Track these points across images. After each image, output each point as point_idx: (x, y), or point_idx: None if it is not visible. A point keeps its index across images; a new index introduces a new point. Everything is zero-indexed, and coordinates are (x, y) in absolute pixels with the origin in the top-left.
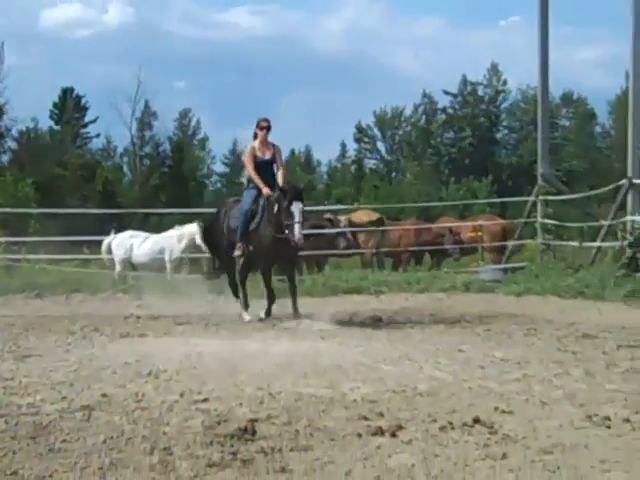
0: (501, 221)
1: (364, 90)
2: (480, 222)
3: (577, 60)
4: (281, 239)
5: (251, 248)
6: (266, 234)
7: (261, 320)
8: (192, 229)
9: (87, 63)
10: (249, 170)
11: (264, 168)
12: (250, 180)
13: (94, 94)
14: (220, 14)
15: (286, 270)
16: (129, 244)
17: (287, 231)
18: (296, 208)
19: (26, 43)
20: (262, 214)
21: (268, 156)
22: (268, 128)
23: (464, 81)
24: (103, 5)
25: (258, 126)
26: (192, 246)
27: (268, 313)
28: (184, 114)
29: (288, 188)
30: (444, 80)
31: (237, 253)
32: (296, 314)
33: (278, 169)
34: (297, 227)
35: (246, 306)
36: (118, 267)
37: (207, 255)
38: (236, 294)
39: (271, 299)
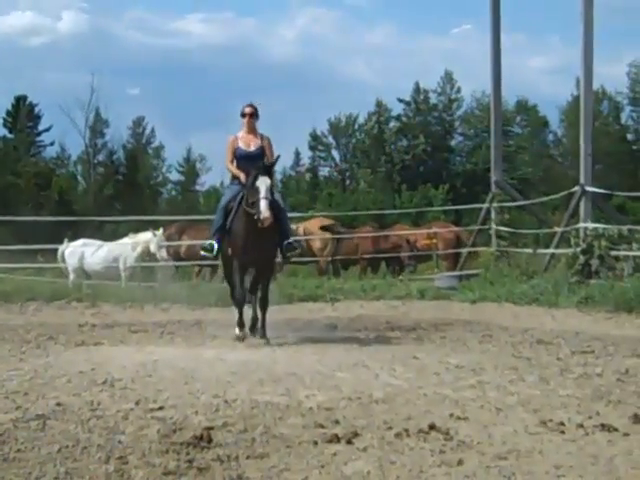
0: (454, 228)
1: (318, 98)
2: (434, 229)
3: (530, 67)
4: (256, 240)
5: (229, 250)
6: (238, 230)
7: (240, 338)
8: (147, 237)
9: (41, 71)
10: (226, 162)
11: (249, 163)
12: (234, 176)
13: (48, 102)
14: (174, 22)
15: (259, 276)
16: (82, 252)
17: (254, 213)
18: (262, 183)
19: None
20: (236, 212)
21: (254, 148)
22: (252, 115)
23: (417, 89)
24: (57, 12)
25: (242, 113)
26: (147, 254)
27: (252, 328)
28: (138, 122)
29: (255, 166)
30: (398, 88)
31: (204, 248)
32: (262, 332)
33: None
34: (263, 203)
35: (241, 326)
36: (71, 276)
37: (162, 263)
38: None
39: (261, 310)
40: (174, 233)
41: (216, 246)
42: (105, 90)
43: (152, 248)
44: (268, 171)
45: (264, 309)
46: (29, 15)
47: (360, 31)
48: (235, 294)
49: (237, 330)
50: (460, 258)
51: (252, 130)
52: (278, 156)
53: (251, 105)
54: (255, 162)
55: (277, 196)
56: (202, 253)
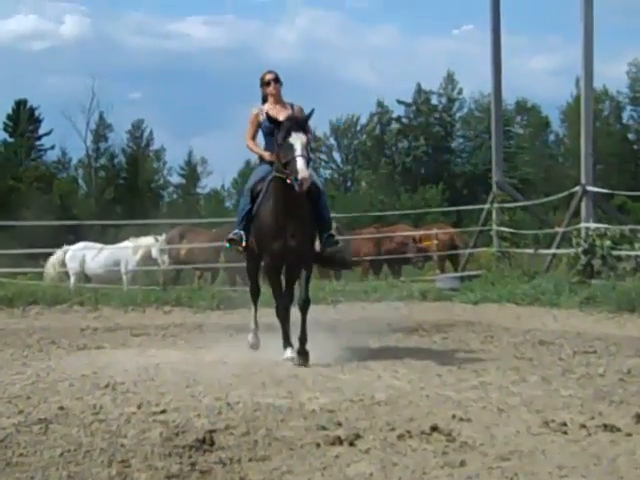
0: (451, 230)
1: (319, 100)
2: (431, 231)
3: (531, 68)
4: (290, 222)
5: (254, 241)
6: (268, 213)
7: (291, 359)
8: (148, 241)
9: (42, 75)
10: (246, 140)
11: None
12: (260, 156)
13: (48, 106)
14: (175, 25)
15: (294, 276)
16: (82, 256)
17: (288, 173)
18: (297, 139)
19: None
20: (265, 192)
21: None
22: (275, 80)
23: (419, 90)
24: (59, 17)
25: (263, 82)
26: (148, 258)
27: (301, 352)
28: (137, 125)
29: (285, 119)
30: (399, 89)
31: (229, 237)
32: (302, 349)
33: None
34: (300, 160)
35: (255, 323)
36: (72, 279)
37: (163, 267)
38: (252, 301)
39: (300, 313)
40: (175, 236)
41: (244, 234)
42: (106, 94)
43: (154, 253)
44: (302, 126)
45: (305, 314)
46: (31, 19)
47: (361, 33)
48: (277, 307)
49: (251, 336)
50: (458, 259)
51: (279, 99)
52: (312, 110)
53: (271, 71)
54: None
55: (315, 175)
56: (226, 245)
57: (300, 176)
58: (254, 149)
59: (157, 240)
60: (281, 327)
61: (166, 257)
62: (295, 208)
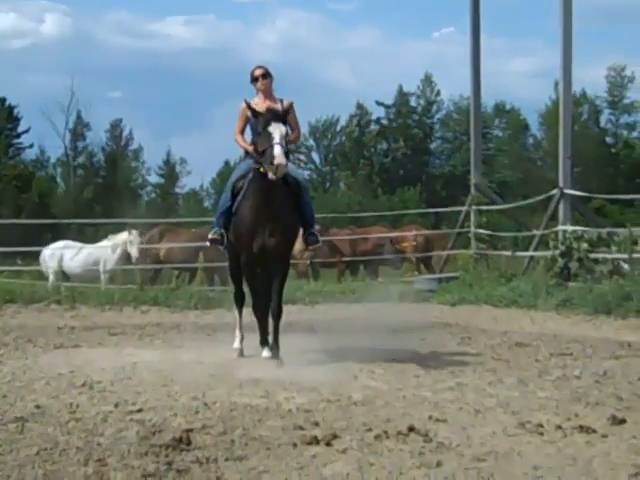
0: (425, 232)
1: (299, 101)
2: (407, 233)
3: (510, 71)
4: (269, 220)
5: (231, 237)
6: (245, 215)
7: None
8: (124, 237)
9: (21, 73)
10: (235, 134)
11: None
12: (246, 150)
13: (27, 104)
14: (155, 24)
15: (270, 271)
16: (61, 255)
17: (263, 163)
18: (276, 128)
19: None
20: (246, 190)
21: None
22: (265, 75)
23: (400, 92)
24: (39, 15)
25: (252, 77)
26: (126, 255)
27: (273, 346)
28: (115, 125)
29: (265, 110)
30: (380, 91)
31: (211, 237)
32: (274, 348)
33: (292, 131)
34: (277, 148)
35: (240, 327)
36: (51, 278)
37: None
38: (236, 305)
39: (272, 318)
40: (155, 235)
41: (223, 232)
42: (86, 93)
43: (128, 247)
44: (281, 118)
45: (277, 319)
46: (11, 17)
47: (342, 35)
48: (255, 304)
49: (236, 340)
50: (430, 263)
51: (269, 94)
52: (291, 102)
53: (261, 66)
54: None
55: (296, 170)
56: (207, 244)
57: (276, 162)
58: (241, 143)
59: (130, 233)
60: (258, 325)
61: (135, 249)
62: (275, 206)
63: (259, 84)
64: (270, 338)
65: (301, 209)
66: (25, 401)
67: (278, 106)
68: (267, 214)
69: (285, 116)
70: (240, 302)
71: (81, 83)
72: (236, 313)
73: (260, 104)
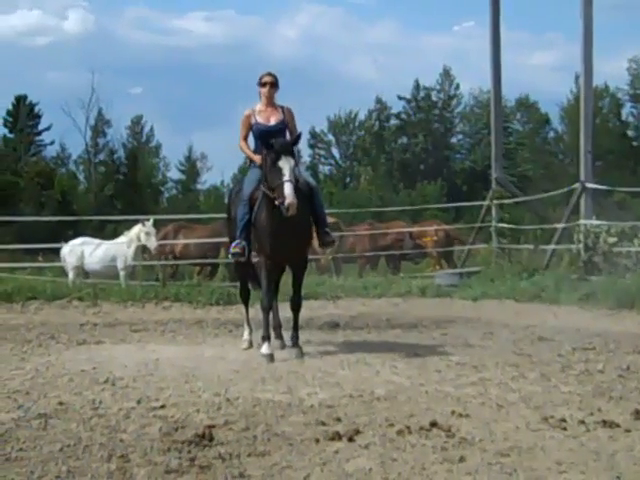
0: (445, 227)
1: (318, 96)
2: (434, 227)
3: (531, 64)
4: (286, 230)
5: (255, 247)
6: (264, 221)
7: (271, 357)
8: (136, 229)
9: (42, 70)
10: (239, 141)
11: (269, 139)
12: (251, 159)
13: (48, 101)
14: (176, 20)
15: (292, 274)
16: (80, 251)
17: (276, 197)
18: (285, 163)
19: None
20: (262, 200)
21: (274, 122)
22: (272, 84)
23: (417, 86)
24: (63, 12)
25: (260, 82)
26: (141, 247)
27: (296, 346)
28: (136, 121)
29: (274, 142)
30: (399, 85)
31: (234, 251)
32: (295, 339)
33: (291, 135)
34: (288, 186)
35: (247, 321)
36: (71, 274)
37: (161, 262)
38: (243, 302)
39: (293, 312)
40: (169, 232)
41: (246, 246)
42: (107, 89)
43: (142, 238)
44: (290, 150)
45: (297, 312)
46: (36, 14)
47: (361, 29)
48: (264, 301)
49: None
50: (451, 258)
51: (271, 102)
52: (300, 133)
53: (271, 73)
54: (277, 138)
55: (306, 174)
56: (231, 257)
57: (287, 202)
58: (245, 151)
59: (144, 225)
60: (263, 321)
61: (153, 239)
62: (292, 218)
63: (265, 91)
64: (273, 333)
65: (315, 210)
66: (48, 398)
67: (279, 114)
68: (286, 219)
69: (292, 146)
70: (246, 298)
71: (102, 80)
72: (243, 309)
73: (262, 110)
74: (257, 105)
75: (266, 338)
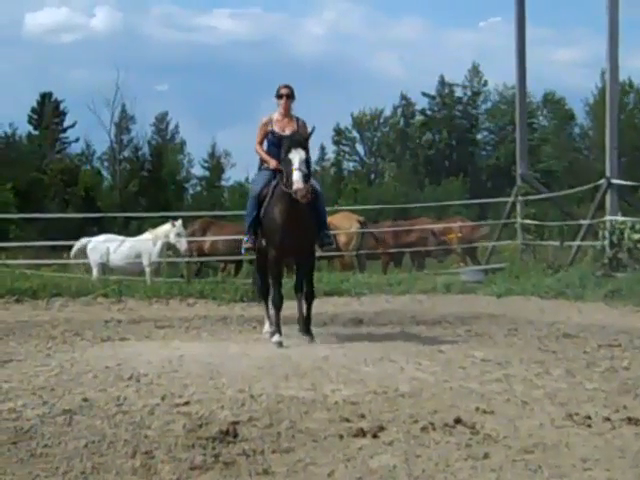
0: (468, 223)
1: (343, 92)
2: (459, 224)
3: (557, 60)
4: (295, 225)
5: (264, 242)
6: (274, 216)
7: (277, 343)
8: (165, 228)
9: (67, 67)
10: (255, 144)
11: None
12: (263, 160)
13: (73, 99)
14: (201, 17)
15: (301, 268)
16: (106, 248)
17: (286, 186)
18: (296, 154)
19: (8, 47)
20: (271, 197)
21: (289, 132)
22: (289, 96)
23: (442, 82)
24: (90, 10)
25: (277, 94)
26: (168, 247)
27: (308, 332)
28: (161, 118)
29: (289, 135)
30: (425, 82)
31: (245, 247)
32: (306, 329)
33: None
34: (297, 173)
35: (269, 316)
36: (94, 271)
37: (182, 250)
38: (263, 297)
39: (306, 304)
40: (197, 229)
41: (254, 239)
42: (133, 86)
43: (171, 238)
44: (302, 143)
45: (310, 303)
46: (64, 11)
47: (387, 25)
48: (275, 299)
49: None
50: (475, 254)
51: (288, 113)
52: (313, 128)
53: (287, 86)
54: None
55: (314, 182)
56: (243, 251)
57: (295, 187)
58: (262, 154)
59: (174, 225)
60: (275, 314)
61: (184, 240)
62: (298, 211)
63: (282, 101)
64: (280, 326)
65: (316, 211)
66: (73, 394)
67: (294, 125)
68: (292, 215)
69: (305, 141)
70: (265, 294)
71: (128, 77)
72: (263, 305)
73: (279, 120)
74: (274, 114)
75: (277, 330)
